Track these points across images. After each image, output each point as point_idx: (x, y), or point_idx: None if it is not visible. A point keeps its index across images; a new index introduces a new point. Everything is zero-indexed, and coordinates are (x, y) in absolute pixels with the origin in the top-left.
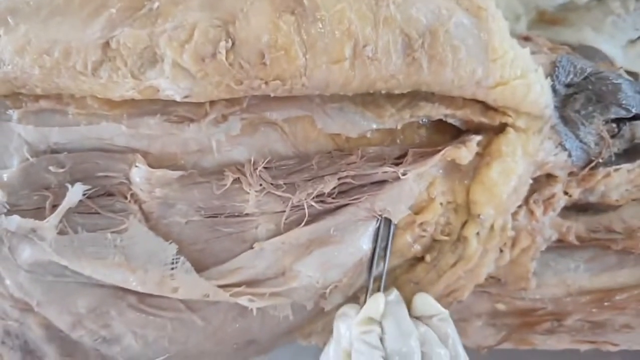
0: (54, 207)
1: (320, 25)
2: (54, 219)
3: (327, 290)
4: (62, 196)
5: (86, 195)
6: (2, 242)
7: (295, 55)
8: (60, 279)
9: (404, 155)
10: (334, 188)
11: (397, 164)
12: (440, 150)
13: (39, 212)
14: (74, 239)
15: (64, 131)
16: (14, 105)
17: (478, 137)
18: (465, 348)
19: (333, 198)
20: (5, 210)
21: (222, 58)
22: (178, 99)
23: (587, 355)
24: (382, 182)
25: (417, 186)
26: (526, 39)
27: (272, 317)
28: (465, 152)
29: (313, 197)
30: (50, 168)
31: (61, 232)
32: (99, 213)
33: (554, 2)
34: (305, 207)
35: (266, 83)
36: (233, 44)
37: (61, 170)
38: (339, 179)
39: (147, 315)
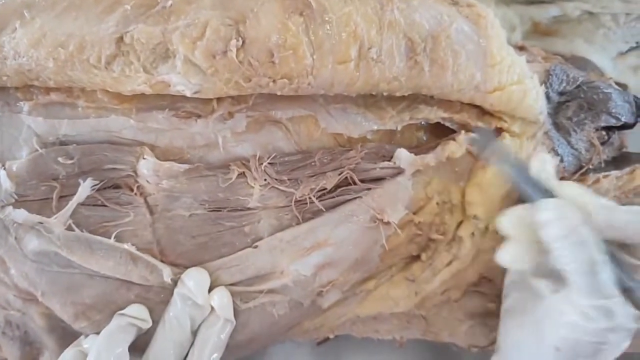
0: (61, 197)
1: (328, 27)
2: (62, 215)
3: (324, 289)
4: (70, 187)
5: (94, 189)
6: (8, 232)
7: (303, 55)
8: (66, 270)
9: None
10: (335, 184)
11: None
12: (434, 148)
13: (46, 203)
14: (81, 237)
15: (73, 123)
16: (25, 98)
17: (468, 133)
18: (457, 347)
19: (334, 194)
20: (13, 201)
21: (232, 55)
22: (188, 94)
23: None
24: (380, 180)
25: (412, 185)
26: (521, 48)
27: (270, 314)
28: (455, 146)
29: (315, 193)
30: (59, 159)
31: (68, 227)
32: (105, 205)
33: (548, 14)
34: (308, 202)
35: (274, 81)
36: (243, 42)
37: (69, 161)
38: (339, 174)
39: (154, 306)
